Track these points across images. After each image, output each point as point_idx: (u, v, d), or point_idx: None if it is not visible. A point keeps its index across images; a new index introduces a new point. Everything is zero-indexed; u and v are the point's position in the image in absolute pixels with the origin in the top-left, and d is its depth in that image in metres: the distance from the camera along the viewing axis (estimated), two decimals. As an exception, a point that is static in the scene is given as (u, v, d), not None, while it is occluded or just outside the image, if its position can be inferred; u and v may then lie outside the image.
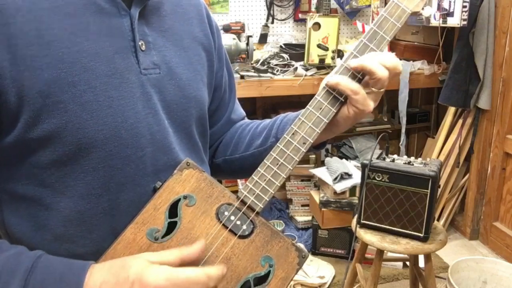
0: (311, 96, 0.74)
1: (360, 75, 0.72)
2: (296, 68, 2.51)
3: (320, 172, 2.54)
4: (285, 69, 2.54)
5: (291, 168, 0.72)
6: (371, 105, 0.72)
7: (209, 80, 0.86)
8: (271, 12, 2.88)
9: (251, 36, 2.40)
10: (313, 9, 2.83)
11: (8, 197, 0.70)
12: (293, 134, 0.72)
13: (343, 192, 2.42)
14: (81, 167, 0.67)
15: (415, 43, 2.82)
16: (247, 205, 0.71)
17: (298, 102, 2.76)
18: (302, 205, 2.76)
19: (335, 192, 2.41)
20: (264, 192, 0.71)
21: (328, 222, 2.47)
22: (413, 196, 1.63)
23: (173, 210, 0.69)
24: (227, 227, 0.70)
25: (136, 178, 0.71)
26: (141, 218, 0.68)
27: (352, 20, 3.00)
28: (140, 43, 0.71)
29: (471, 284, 1.99)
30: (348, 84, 0.71)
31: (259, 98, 2.90)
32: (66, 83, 0.64)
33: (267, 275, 0.70)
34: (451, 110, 2.76)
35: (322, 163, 2.83)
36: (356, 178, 2.43)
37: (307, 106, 0.73)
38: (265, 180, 0.72)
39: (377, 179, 1.67)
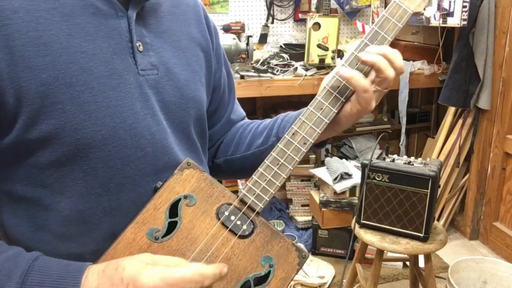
0: (311, 96, 0.74)
1: (365, 70, 0.71)
2: (296, 68, 2.51)
3: (320, 172, 2.54)
4: (285, 69, 2.54)
5: (292, 168, 0.72)
6: (373, 103, 0.72)
7: (207, 80, 0.86)
8: (271, 12, 2.88)
9: (251, 36, 2.39)
10: (313, 9, 2.83)
11: (7, 198, 0.69)
12: (293, 134, 0.72)
13: (343, 192, 2.42)
14: (80, 168, 0.67)
15: (415, 43, 2.81)
16: (247, 205, 0.71)
17: (298, 102, 2.76)
18: (302, 205, 2.76)
19: (335, 192, 2.41)
20: (264, 192, 0.71)
21: (328, 222, 2.47)
22: (413, 196, 1.63)
23: (174, 210, 0.69)
24: (227, 227, 0.70)
25: (136, 178, 0.71)
26: (141, 218, 0.68)
27: (352, 20, 3.00)
28: (137, 44, 0.71)
29: (471, 284, 1.99)
30: (360, 80, 0.70)
31: (259, 98, 2.90)
32: (64, 83, 0.64)
33: (267, 275, 0.69)
34: (451, 110, 2.76)
35: (322, 163, 2.83)
36: (356, 178, 2.43)
37: (308, 106, 0.73)
38: (265, 180, 0.72)
39: (377, 179, 1.67)
